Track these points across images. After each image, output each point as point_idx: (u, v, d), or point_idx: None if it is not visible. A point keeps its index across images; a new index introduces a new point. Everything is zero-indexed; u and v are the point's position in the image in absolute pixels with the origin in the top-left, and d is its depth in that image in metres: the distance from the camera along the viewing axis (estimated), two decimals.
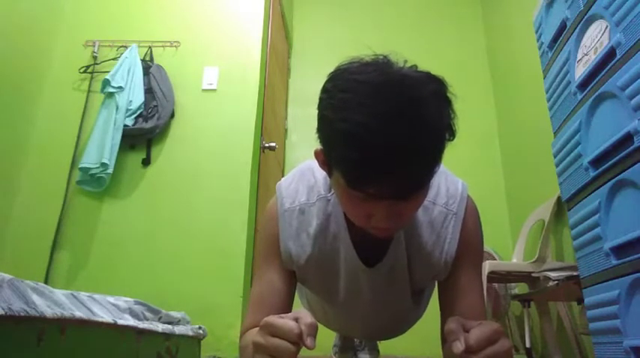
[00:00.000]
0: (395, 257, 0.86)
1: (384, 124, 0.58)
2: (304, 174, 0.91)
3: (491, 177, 3.21)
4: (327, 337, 1.43)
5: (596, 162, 1.19)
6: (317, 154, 0.73)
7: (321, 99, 0.67)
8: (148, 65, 2.38)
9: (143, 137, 2.27)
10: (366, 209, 0.67)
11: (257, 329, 0.60)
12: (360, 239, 0.85)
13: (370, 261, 0.87)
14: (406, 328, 1.20)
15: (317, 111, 0.67)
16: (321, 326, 1.24)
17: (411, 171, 0.61)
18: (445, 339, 0.86)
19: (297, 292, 0.96)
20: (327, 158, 0.69)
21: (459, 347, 0.54)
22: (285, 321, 0.56)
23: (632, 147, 1.02)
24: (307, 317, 0.56)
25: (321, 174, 0.90)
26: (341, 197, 0.71)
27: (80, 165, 2.13)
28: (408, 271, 0.88)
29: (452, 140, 0.66)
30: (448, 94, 0.65)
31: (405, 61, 0.66)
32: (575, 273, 1.61)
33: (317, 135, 0.68)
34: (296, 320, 0.56)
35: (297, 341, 0.54)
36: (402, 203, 0.66)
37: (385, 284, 0.90)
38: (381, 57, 0.66)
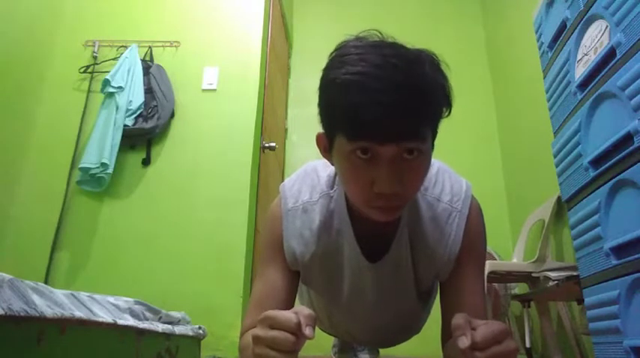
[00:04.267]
0: (398, 252, 0.86)
1: (383, 71, 0.63)
2: (307, 175, 0.92)
3: (492, 177, 3.21)
4: (327, 337, 1.43)
5: (596, 162, 1.19)
6: (318, 138, 0.76)
7: (323, 75, 0.70)
8: (148, 65, 2.38)
9: (143, 137, 2.27)
10: (369, 174, 0.67)
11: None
12: (364, 235, 0.85)
13: (374, 257, 0.86)
14: (410, 334, 1.19)
15: (319, 89, 0.71)
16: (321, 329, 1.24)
17: (409, 110, 0.63)
18: (445, 339, 0.86)
19: (297, 298, 0.96)
20: (328, 127, 0.71)
21: (465, 342, 0.53)
22: (283, 313, 0.56)
23: (632, 147, 1.02)
24: (305, 310, 0.56)
25: (324, 172, 0.90)
26: (344, 167, 0.71)
27: (80, 165, 2.13)
28: (412, 267, 0.88)
29: (448, 114, 0.71)
30: (442, 67, 0.70)
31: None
32: (575, 273, 1.61)
33: (318, 110, 0.71)
34: (295, 313, 0.56)
35: (296, 331, 0.54)
36: (403, 163, 0.66)
37: (389, 281, 0.89)
38: (375, 31, 0.71)
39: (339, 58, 0.67)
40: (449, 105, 0.70)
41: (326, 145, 0.74)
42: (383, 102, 0.62)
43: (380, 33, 0.71)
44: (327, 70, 0.69)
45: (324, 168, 0.91)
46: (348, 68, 0.64)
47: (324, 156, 0.77)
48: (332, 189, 0.87)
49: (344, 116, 0.65)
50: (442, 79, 0.69)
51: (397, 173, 0.66)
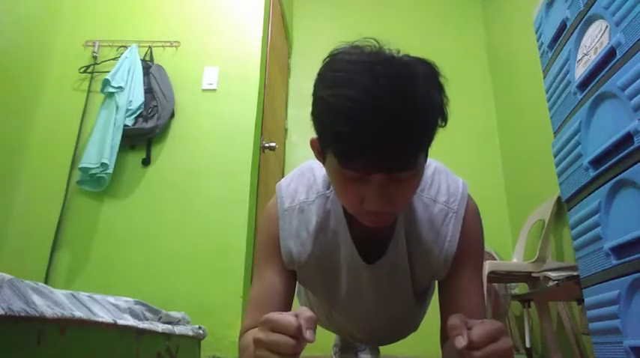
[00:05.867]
0: (395, 253, 0.85)
1: (373, 98, 0.60)
2: (304, 174, 0.91)
3: (492, 177, 3.21)
4: (327, 337, 1.43)
5: (596, 162, 1.19)
6: (312, 143, 0.75)
7: (315, 84, 0.69)
8: (148, 65, 2.38)
9: (143, 137, 2.27)
10: (359, 191, 0.67)
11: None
12: (361, 236, 0.85)
13: (371, 258, 0.86)
14: (408, 331, 1.20)
15: (312, 96, 0.69)
16: (322, 329, 1.24)
17: (399, 142, 0.61)
18: (444, 339, 0.86)
19: (297, 298, 0.96)
20: (320, 140, 0.71)
21: (461, 342, 0.54)
22: (284, 316, 0.56)
23: (632, 147, 1.02)
24: (306, 312, 0.56)
25: (320, 172, 0.90)
26: (334, 181, 0.71)
27: (80, 165, 2.13)
28: (409, 268, 0.88)
29: (444, 125, 0.68)
30: (440, 79, 0.67)
31: (398, 50, 0.68)
32: (575, 273, 1.61)
33: (312, 120, 0.70)
34: (296, 316, 0.56)
35: (297, 335, 0.54)
36: (393, 184, 0.66)
37: (387, 282, 0.89)
38: (373, 40, 0.68)
39: (331, 73, 0.65)
40: (444, 120, 0.67)
41: (319, 151, 0.74)
42: (371, 132, 0.60)
43: (377, 41, 0.68)
44: (318, 82, 0.68)
45: (320, 168, 0.90)
46: (337, 91, 0.62)
47: (319, 160, 0.77)
48: (328, 189, 0.87)
49: (332, 141, 0.65)
50: (437, 96, 0.65)
51: (386, 194, 0.66)
